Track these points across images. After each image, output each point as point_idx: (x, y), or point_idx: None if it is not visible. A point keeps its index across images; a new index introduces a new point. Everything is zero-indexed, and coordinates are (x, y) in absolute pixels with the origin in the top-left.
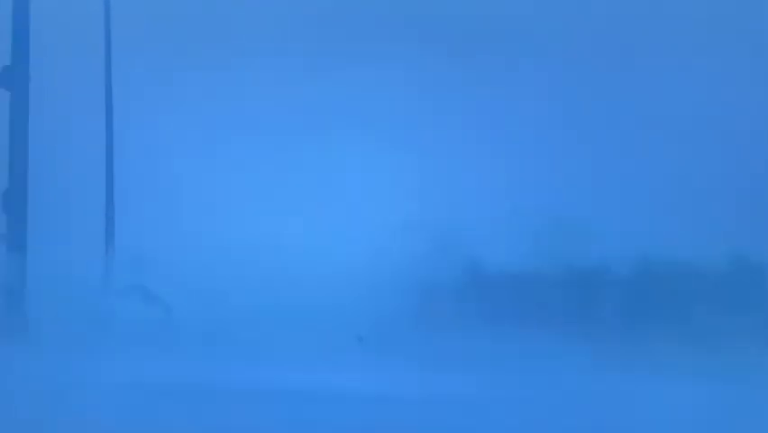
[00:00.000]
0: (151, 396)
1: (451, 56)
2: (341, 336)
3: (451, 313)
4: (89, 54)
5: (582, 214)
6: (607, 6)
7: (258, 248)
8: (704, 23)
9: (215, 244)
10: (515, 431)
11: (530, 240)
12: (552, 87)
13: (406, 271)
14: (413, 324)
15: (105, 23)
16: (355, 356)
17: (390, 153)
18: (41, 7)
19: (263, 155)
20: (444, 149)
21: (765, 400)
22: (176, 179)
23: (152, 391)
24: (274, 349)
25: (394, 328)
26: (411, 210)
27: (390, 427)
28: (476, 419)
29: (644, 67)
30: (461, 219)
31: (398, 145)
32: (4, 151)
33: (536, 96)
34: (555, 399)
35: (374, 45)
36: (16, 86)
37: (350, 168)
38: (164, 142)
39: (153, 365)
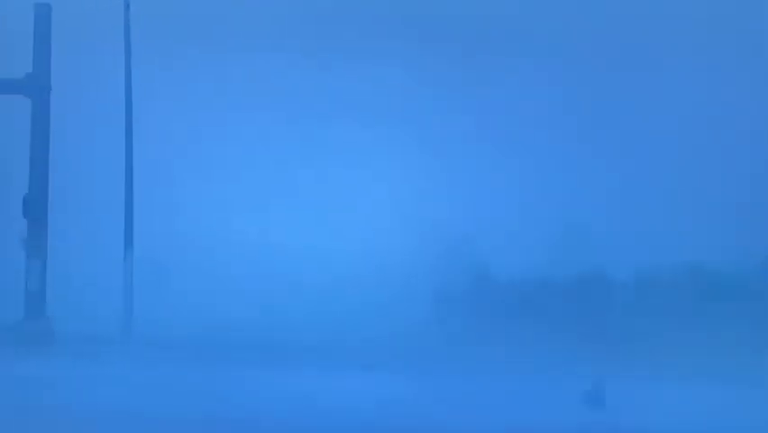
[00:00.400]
0: (169, 399)
1: (465, 64)
2: (354, 342)
3: (463, 319)
4: (109, 64)
5: (593, 222)
6: (623, 13)
7: (275, 255)
8: (705, 24)
9: (230, 251)
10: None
11: (542, 248)
12: (562, 96)
13: (420, 278)
14: (426, 330)
15: (124, 34)
16: (369, 360)
17: (403, 164)
18: (62, 18)
19: (278, 164)
20: (456, 159)
21: None
22: (193, 185)
23: (170, 394)
24: (292, 353)
25: (407, 334)
26: (424, 219)
27: (402, 429)
28: (487, 421)
29: (656, 76)
30: (474, 228)
31: (412, 156)
32: (25, 157)
33: (546, 106)
34: (567, 402)
35: (385, 54)
36: (37, 94)
37: (363, 178)
38: (182, 149)
39: (171, 368)
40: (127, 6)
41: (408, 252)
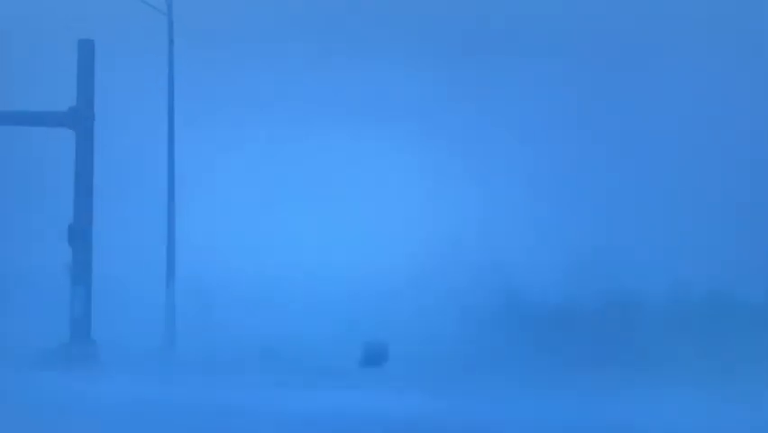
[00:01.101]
0: (213, 418)
1: (483, 70)
2: (387, 363)
3: (491, 341)
4: (150, 96)
5: (618, 245)
6: (624, 13)
7: (312, 277)
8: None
9: (269, 274)
10: None
11: (567, 270)
12: (573, 103)
13: (449, 300)
14: (453, 350)
15: (168, 66)
16: (399, 381)
17: (433, 186)
18: (105, 53)
19: (316, 186)
20: (485, 182)
21: None
22: (234, 210)
23: (214, 413)
24: (327, 373)
25: (435, 355)
26: (451, 242)
27: None
28: None
29: (658, 77)
30: (501, 250)
31: (443, 178)
32: (69, 187)
33: (573, 128)
34: (592, 423)
35: (410, 60)
36: (81, 126)
37: (390, 201)
38: (222, 176)
39: (212, 390)
40: (171, 42)
41: (433, 270)
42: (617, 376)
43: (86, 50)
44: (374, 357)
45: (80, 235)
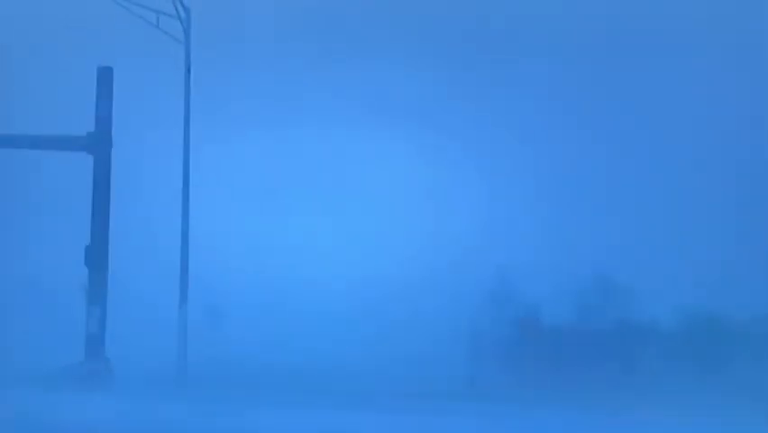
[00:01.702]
0: None
1: (496, 80)
2: (391, 383)
3: (497, 364)
4: (167, 122)
5: (626, 272)
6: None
7: (325, 297)
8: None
9: (279, 295)
10: None
11: (576, 297)
12: (587, 119)
13: (455, 326)
14: (461, 374)
15: (184, 93)
16: (411, 402)
17: (433, 186)
18: (123, 79)
19: (325, 203)
20: (486, 181)
21: None
22: (247, 233)
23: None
24: (339, 394)
25: (443, 379)
26: (452, 242)
27: None
28: None
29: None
30: (503, 250)
31: (443, 178)
32: (87, 210)
33: (573, 128)
34: None
35: (413, 60)
36: (99, 150)
37: (390, 201)
38: (236, 200)
39: (224, 408)
40: (188, 70)
41: (435, 272)
42: (623, 400)
43: (106, 77)
44: None
45: (97, 257)
